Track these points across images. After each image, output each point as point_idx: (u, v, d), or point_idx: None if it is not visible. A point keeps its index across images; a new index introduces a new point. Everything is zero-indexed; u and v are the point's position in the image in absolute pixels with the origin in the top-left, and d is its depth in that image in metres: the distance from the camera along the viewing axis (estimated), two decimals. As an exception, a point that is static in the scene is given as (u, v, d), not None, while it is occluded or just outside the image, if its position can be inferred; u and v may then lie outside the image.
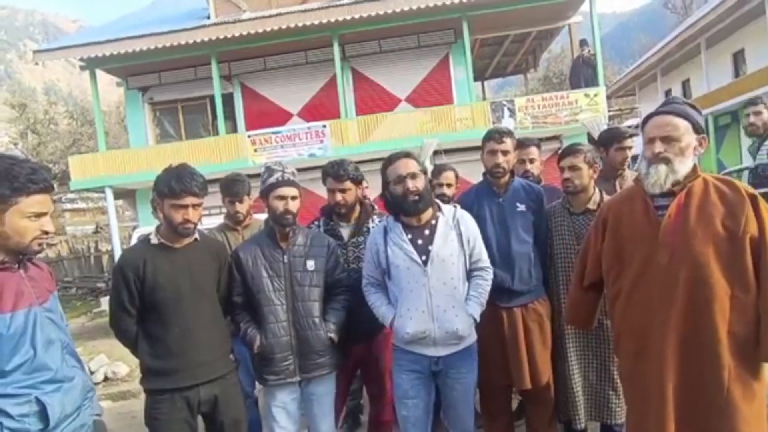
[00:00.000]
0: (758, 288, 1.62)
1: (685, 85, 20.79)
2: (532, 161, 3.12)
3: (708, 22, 15.82)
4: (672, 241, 1.71)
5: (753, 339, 1.63)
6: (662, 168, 1.73)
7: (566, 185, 2.54)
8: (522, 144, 3.05)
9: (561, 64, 26.45)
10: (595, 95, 10.81)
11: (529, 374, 2.45)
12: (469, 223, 2.23)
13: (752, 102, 3.69)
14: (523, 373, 2.44)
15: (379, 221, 2.51)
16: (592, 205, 2.51)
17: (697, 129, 1.75)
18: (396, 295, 2.18)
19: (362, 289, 2.32)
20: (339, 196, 2.55)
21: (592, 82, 11.20)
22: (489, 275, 2.25)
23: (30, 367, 1.44)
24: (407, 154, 2.22)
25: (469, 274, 2.22)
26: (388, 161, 2.22)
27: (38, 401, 1.44)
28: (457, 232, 2.17)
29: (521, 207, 2.54)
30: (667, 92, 21.91)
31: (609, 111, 12.22)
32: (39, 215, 1.48)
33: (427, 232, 2.16)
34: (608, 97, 16.83)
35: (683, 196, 1.73)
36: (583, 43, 11.66)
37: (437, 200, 2.32)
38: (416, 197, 2.11)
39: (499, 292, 2.46)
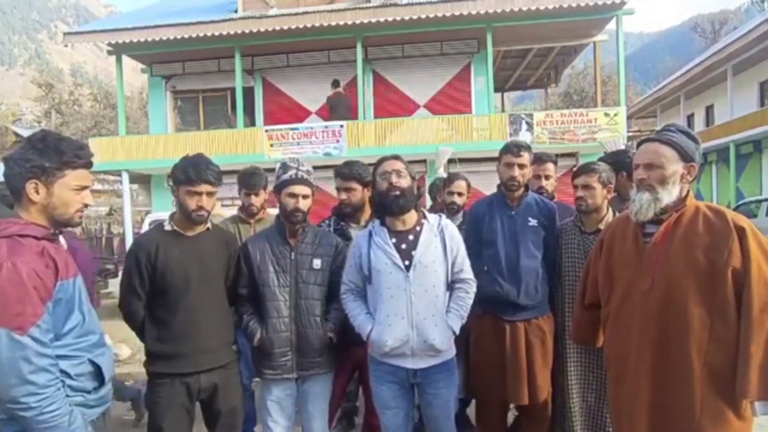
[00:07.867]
0: (739, 322, 1.58)
1: (709, 111, 20.49)
2: (547, 177, 3.11)
3: (735, 49, 15.62)
4: (653, 269, 1.70)
5: (732, 373, 1.58)
6: (645, 196, 1.71)
7: (579, 204, 2.52)
8: (539, 159, 3.04)
9: (583, 81, 26.26)
10: (615, 115, 10.71)
11: (527, 390, 2.43)
12: (453, 233, 2.22)
13: None
14: (521, 389, 2.43)
15: None
16: (603, 225, 2.49)
17: (685, 157, 1.72)
18: (375, 302, 2.15)
19: (340, 296, 2.26)
20: (343, 195, 2.60)
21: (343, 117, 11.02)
22: (471, 288, 2.21)
23: (79, 332, 1.54)
24: (397, 156, 2.26)
25: (451, 285, 2.19)
26: (378, 162, 2.26)
27: (92, 362, 1.55)
28: (441, 240, 2.16)
29: (533, 222, 2.53)
30: (690, 116, 21.62)
31: (628, 132, 12.09)
32: (82, 188, 1.55)
33: (411, 237, 2.15)
34: (629, 118, 16.67)
35: (671, 224, 1.71)
36: (334, 83, 11.25)
37: (441, 211, 2.33)
38: (398, 192, 2.12)
39: (504, 306, 2.45)
